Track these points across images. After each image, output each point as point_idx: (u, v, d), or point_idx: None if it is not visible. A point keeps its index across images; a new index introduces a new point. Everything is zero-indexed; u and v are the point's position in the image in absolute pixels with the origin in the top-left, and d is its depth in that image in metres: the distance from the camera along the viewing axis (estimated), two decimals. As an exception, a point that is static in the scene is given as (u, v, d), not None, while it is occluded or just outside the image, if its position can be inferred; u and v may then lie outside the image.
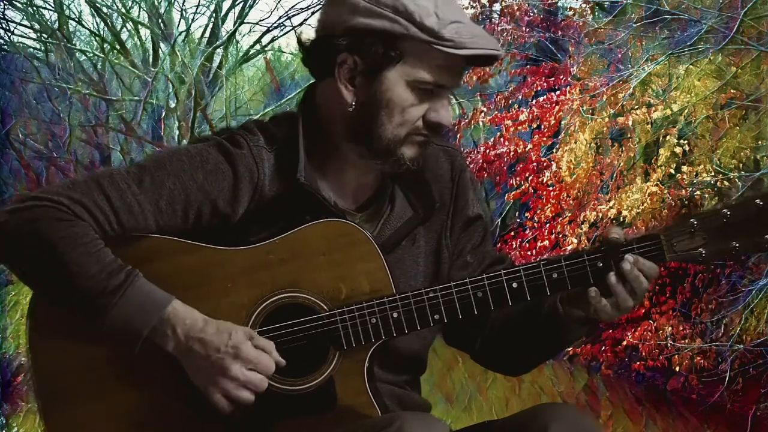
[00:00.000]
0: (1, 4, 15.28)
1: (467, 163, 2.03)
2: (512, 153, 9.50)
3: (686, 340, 7.81)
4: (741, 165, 7.77)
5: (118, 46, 16.95)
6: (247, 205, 1.83)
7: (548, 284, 1.81)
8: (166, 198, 1.80)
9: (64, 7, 16.59)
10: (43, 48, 16.80)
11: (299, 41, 1.90)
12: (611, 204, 8.25)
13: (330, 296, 1.80)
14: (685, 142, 8.10)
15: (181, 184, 1.80)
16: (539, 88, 9.76)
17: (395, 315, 1.80)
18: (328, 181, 1.89)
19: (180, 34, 16.64)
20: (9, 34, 15.93)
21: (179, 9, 17.08)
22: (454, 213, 1.97)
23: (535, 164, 9.37)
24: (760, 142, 7.79)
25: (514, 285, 1.81)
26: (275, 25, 15.69)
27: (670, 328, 8.01)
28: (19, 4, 16.12)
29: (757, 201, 1.81)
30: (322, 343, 1.80)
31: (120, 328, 1.74)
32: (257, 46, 16.79)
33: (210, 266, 1.81)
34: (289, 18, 15.22)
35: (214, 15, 16.45)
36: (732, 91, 7.91)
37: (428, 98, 1.82)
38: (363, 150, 1.85)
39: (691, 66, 8.05)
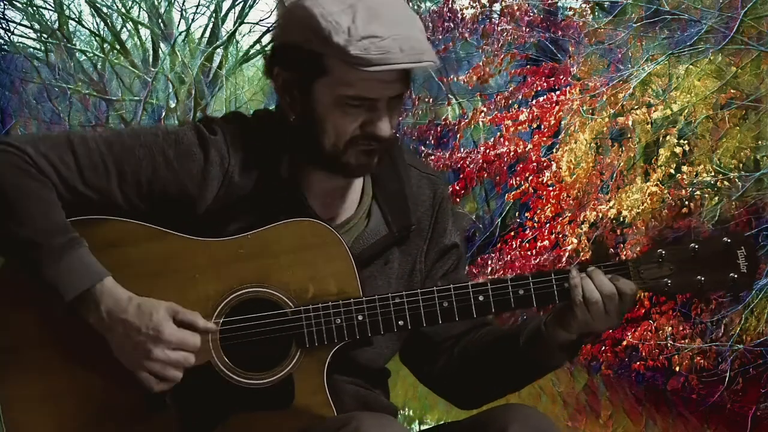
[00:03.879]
0: (1, 4, 15.29)
1: (449, 190, 2.03)
2: (512, 153, 9.49)
3: (686, 340, 7.80)
4: (741, 165, 7.76)
5: (118, 46, 16.96)
6: (217, 191, 1.83)
7: (514, 300, 1.83)
8: (133, 166, 1.80)
9: (64, 7, 16.60)
10: (43, 48, 16.82)
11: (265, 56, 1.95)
12: (611, 204, 8.25)
13: (297, 294, 1.82)
14: (685, 142, 8.10)
15: (151, 156, 1.81)
16: (539, 88, 9.76)
17: (360, 318, 1.81)
18: (300, 183, 1.90)
19: (180, 34, 16.66)
20: (9, 34, 15.95)
21: (179, 9, 17.10)
22: (431, 240, 1.98)
23: (535, 164, 9.36)
24: (760, 142, 7.79)
25: (481, 298, 1.82)
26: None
27: (670, 328, 8.00)
28: (19, 4, 16.13)
29: (725, 239, 1.85)
30: (286, 340, 1.82)
31: (49, 288, 1.75)
32: (257, 46, 16.81)
33: (179, 255, 1.82)
34: (289, 18, 15.21)
35: (214, 15, 16.47)
36: (732, 91, 7.90)
37: (362, 110, 1.81)
38: (311, 158, 1.86)
39: (691, 66, 8.04)
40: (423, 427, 8.29)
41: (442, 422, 2.00)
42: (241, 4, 16.32)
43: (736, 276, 1.84)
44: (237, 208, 1.84)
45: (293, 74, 1.82)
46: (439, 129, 11.76)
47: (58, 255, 1.74)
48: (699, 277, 1.85)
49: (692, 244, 1.85)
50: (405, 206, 1.94)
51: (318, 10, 1.77)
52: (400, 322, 1.82)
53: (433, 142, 11.69)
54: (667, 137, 8.22)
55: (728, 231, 1.88)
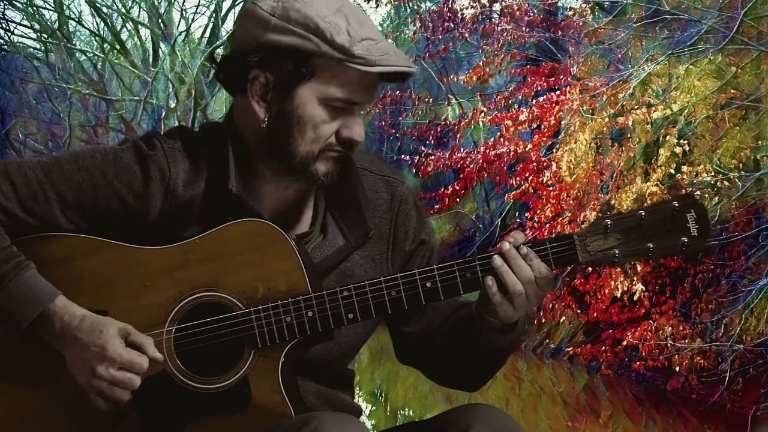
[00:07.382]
0: (1, 4, 15.30)
1: (411, 191, 2.00)
2: (512, 153, 9.50)
3: (686, 340, 7.81)
4: (741, 165, 7.77)
5: (118, 46, 16.97)
6: (161, 205, 1.83)
7: (462, 284, 1.82)
8: (74, 191, 1.81)
9: (64, 7, 16.61)
10: (43, 48, 16.84)
11: (212, 59, 1.91)
12: (611, 204, 8.25)
13: (247, 295, 1.81)
14: (685, 142, 8.10)
15: (91, 178, 1.81)
16: (539, 88, 9.77)
17: (310, 314, 1.80)
18: (249, 195, 1.88)
19: (180, 34, 16.67)
20: (9, 34, 15.96)
21: (179, 9, 17.14)
22: (394, 245, 1.97)
23: (535, 164, 9.37)
24: (760, 142, 7.79)
25: (428, 285, 1.81)
26: (275, 25, 15.69)
27: (670, 328, 8.01)
28: (19, 4, 16.14)
29: (674, 203, 1.80)
30: (238, 342, 1.81)
31: (2, 317, 1.76)
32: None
33: (129, 265, 1.81)
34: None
35: (214, 15, 16.48)
36: (732, 91, 7.91)
37: (340, 114, 1.82)
38: (277, 166, 1.85)
39: (691, 66, 8.05)
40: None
41: (408, 422, 1.98)
42: (241, 4, 16.31)
43: (686, 240, 1.80)
44: (188, 219, 1.83)
45: (275, 77, 1.81)
46: (439, 129, 11.77)
47: (4, 283, 1.75)
48: (648, 244, 1.80)
49: (639, 212, 1.81)
50: (360, 214, 1.92)
51: (312, 12, 1.77)
52: (350, 315, 1.81)
53: (433, 142, 11.70)
54: (667, 137, 8.22)
55: (677, 196, 1.82)
